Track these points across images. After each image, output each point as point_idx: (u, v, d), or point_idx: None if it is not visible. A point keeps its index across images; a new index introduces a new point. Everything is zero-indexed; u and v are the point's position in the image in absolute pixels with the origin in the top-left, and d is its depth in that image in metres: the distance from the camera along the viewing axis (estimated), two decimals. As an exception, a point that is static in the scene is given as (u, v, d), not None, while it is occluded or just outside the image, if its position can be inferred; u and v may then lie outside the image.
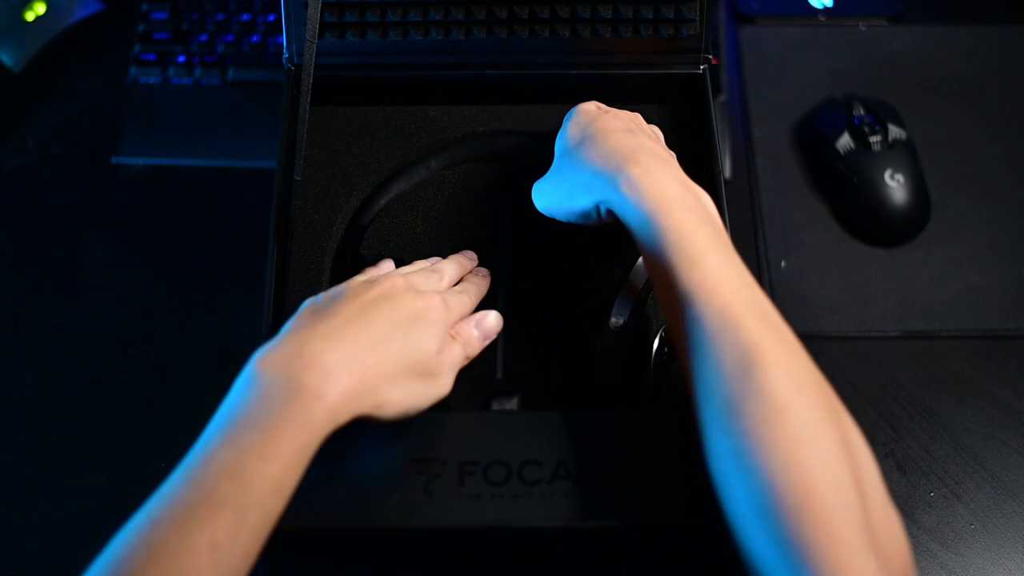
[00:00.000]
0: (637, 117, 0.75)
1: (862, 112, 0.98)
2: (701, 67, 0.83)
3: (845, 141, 0.97)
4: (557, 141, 0.75)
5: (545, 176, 0.75)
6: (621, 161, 0.67)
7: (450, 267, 0.74)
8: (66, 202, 1.00)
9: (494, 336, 0.72)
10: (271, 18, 1.07)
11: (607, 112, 0.74)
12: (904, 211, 0.96)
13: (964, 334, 0.93)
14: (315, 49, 0.76)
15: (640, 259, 0.76)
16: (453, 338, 0.68)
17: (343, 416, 0.61)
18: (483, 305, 0.74)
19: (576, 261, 0.78)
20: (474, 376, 0.74)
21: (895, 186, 0.95)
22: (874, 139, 0.96)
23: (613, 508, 0.63)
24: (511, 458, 0.65)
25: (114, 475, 0.86)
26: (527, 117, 0.85)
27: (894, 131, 0.97)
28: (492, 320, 0.72)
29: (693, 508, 0.63)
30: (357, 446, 0.66)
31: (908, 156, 0.97)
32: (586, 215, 0.71)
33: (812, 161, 1.01)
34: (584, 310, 0.76)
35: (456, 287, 0.73)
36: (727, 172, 1.00)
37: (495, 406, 0.72)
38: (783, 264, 0.96)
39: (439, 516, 0.63)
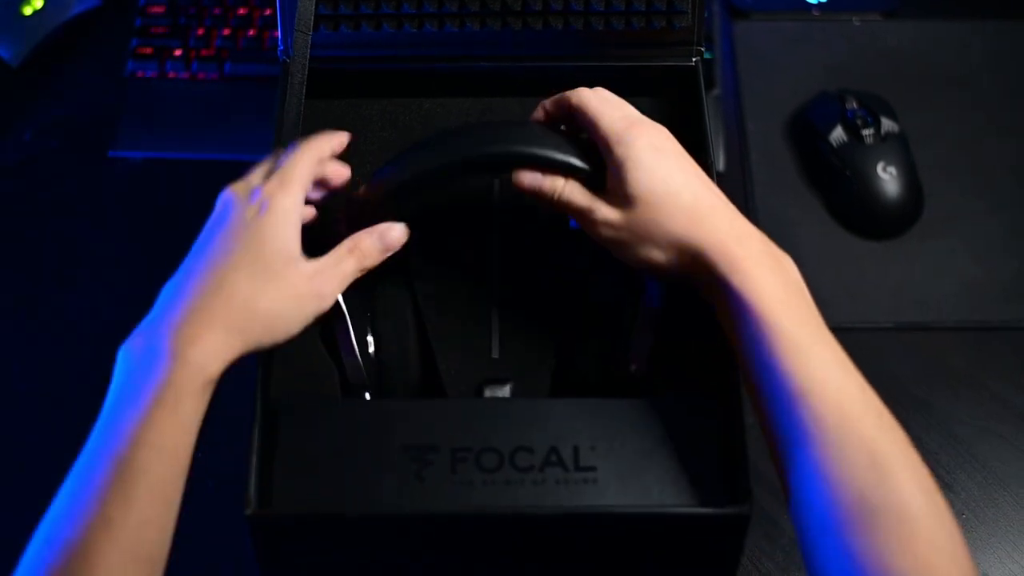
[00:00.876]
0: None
1: (855, 106, 0.99)
2: (693, 60, 0.84)
3: (838, 134, 0.98)
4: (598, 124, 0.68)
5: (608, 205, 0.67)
6: (714, 235, 0.64)
7: (270, 162, 0.70)
8: (63, 195, 1.01)
9: (396, 248, 0.68)
10: (267, 13, 1.07)
11: (649, 125, 0.69)
12: (897, 203, 0.96)
13: (957, 326, 0.94)
14: (309, 41, 0.77)
15: None
16: (350, 251, 0.66)
17: (210, 363, 0.61)
18: (475, 292, 0.75)
19: (572, 239, 0.78)
20: (469, 359, 0.74)
21: (888, 179, 0.96)
22: (867, 132, 0.97)
23: (603, 494, 0.64)
24: (503, 445, 0.66)
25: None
26: (521, 109, 0.85)
27: (887, 124, 0.98)
28: (397, 233, 0.68)
29: (684, 495, 0.64)
30: (349, 432, 0.66)
31: (901, 149, 0.97)
32: (656, 268, 0.67)
33: (805, 154, 1.01)
34: (582, 291, 0.76)
35: (275, 176, 0.67)
36: (720, 165, 1.00)
37: (488, 393, 0.73)
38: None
39: (431, 502, 0.64)
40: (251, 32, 1.07)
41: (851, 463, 0.57)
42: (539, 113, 0.73)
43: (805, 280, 0.94)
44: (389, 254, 0.68)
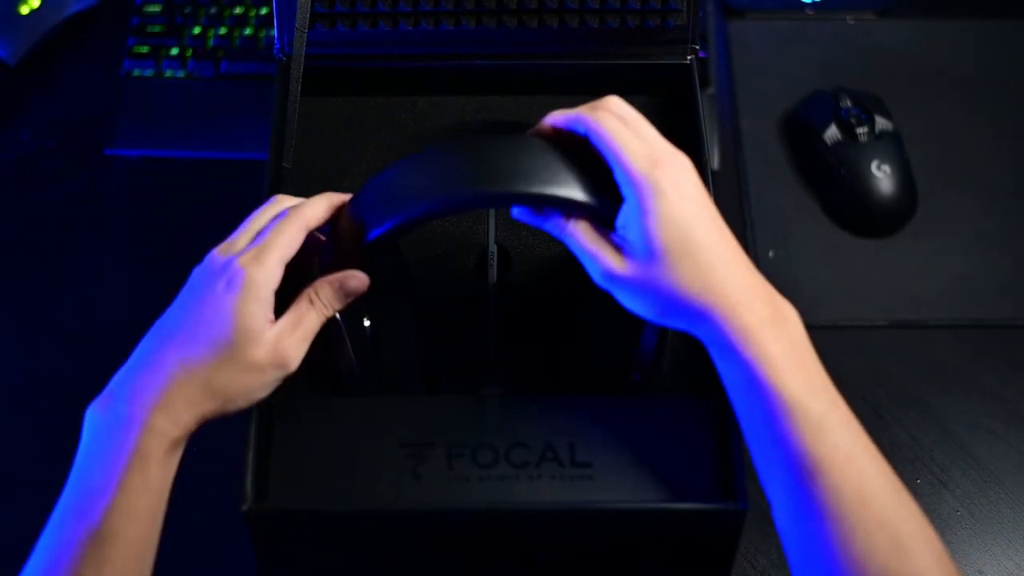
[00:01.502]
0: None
1: (849, 104, 0.99)
2: (688, 58, 0.84)
3: (832, 132, 0.98)
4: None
5: (630, 274, 0.63)
6: (724, 298, 0.61)
7: (261, 221, 0.68)
8: (61, 193, 1.01)
9: (358, 295, 0.66)
10: (263, 12, 1.08)
11: (672, 161, 0.64)
12: (891, 201, 0.97)
13: (952, 323, 0.94)
14: (305, 38, 0.77)
15: None
16: (311, 303, 0.65)
17: (173, 430, 0.61)
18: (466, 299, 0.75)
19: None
20: (465, 358, 0.74)
21: (882, 177, 0.96)
22: (861, 130, 0.97)
23: (599, 491, 0.64)
24: (499, 441, 0.66)
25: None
26: (516, 107, 0.86)
27: (881, 123, 0.98)
28: (356, 282, 0.66)
29: (680, 492, 0.64)
30: (345, 428, 0.66)
31: (895, 147, 0.98)
32: (656, 318, 0.64)
33: (800, 152, 1.02)
34: (579, 295, 0.77)
35: (258, 242, 0.65)
36: (715, 163, 1.01)
37: (485, 391, 0.73)
38: (771, 254, 0.97)
39: (428, 499, 0.64)
40: (247, 31, 1.07)
41: (872, 544, 0.57)
42: (545, 125, 0.67)
43: (799, 276, 0.95)
44: (351, 300, 0.67)
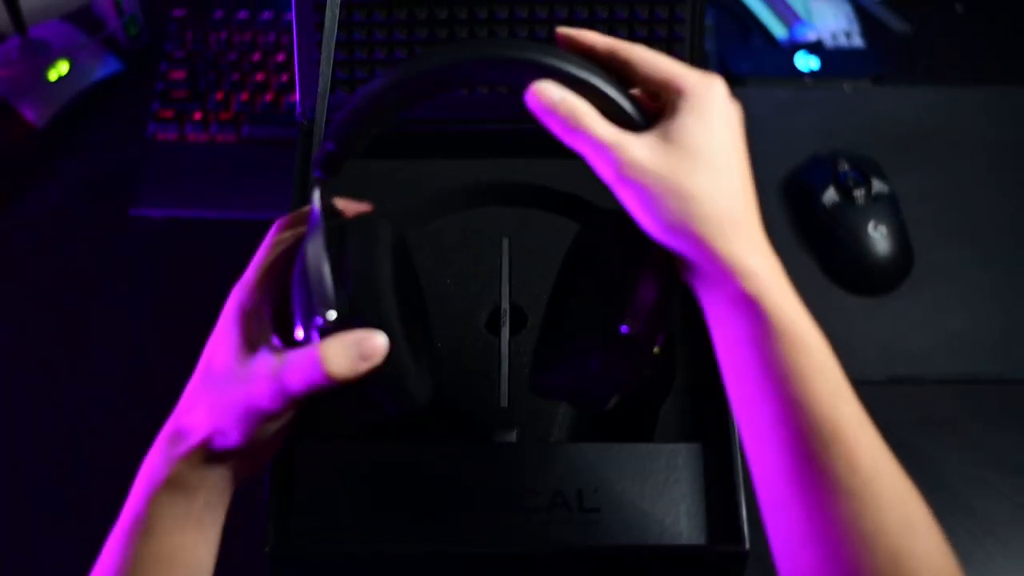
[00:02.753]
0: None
1: (847, 168, 1.03)
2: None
3: (831, 195, 1.02)
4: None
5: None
6: (738, 243, 0.57)
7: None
8: (87, 250, 1.04)
9: (375, 359, 0.58)
10: (283, 79, 1.12)
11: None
12: (887, 261, 1.00)
13: (946, 378, 0.97)
14: (326, 103, 0.80)
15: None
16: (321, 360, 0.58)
17: (196, 464, 0.61)
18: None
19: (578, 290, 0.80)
20: (477, 408, 0.77)
21: (878, 237, 1.00)
22: (858, 193, 1.01)
23: (607, 534, 0.67)
24: (511, 488, 0.69)
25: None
26: (526, 170, 0.88)
27: (877, 185, 1.02)
28: (375, 343, 0.58)
29: (684, 534, 0.67)
30: (363, 472, 0.69)
31: (891, 209, 1.01)
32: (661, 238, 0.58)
33: (799, 214, 1.05)
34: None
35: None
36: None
37: (496, 437, 0.76)
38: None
39: (443, 541, 0.67)
40: (268, 97, 1.11)
41: (884, 520, 0.55)
42: (577, 38, 0.62)
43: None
44: (368, 365, 0.58)
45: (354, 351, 0.58)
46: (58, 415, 0.95)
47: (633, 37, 0.85)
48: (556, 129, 0.58)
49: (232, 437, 0.60)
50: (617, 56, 0.61)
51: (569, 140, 0.58)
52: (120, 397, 0.96)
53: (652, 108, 0.61)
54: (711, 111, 0.59)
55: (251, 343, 0.61)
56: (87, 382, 0.97)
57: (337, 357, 0.57)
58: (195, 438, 0.61)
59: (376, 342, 0.58)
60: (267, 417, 0.59)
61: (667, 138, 0.57)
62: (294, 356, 0.58)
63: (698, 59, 0.86)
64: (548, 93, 0.58)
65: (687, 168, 0.56)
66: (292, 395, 0.58)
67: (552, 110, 0.58)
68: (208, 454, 0.61)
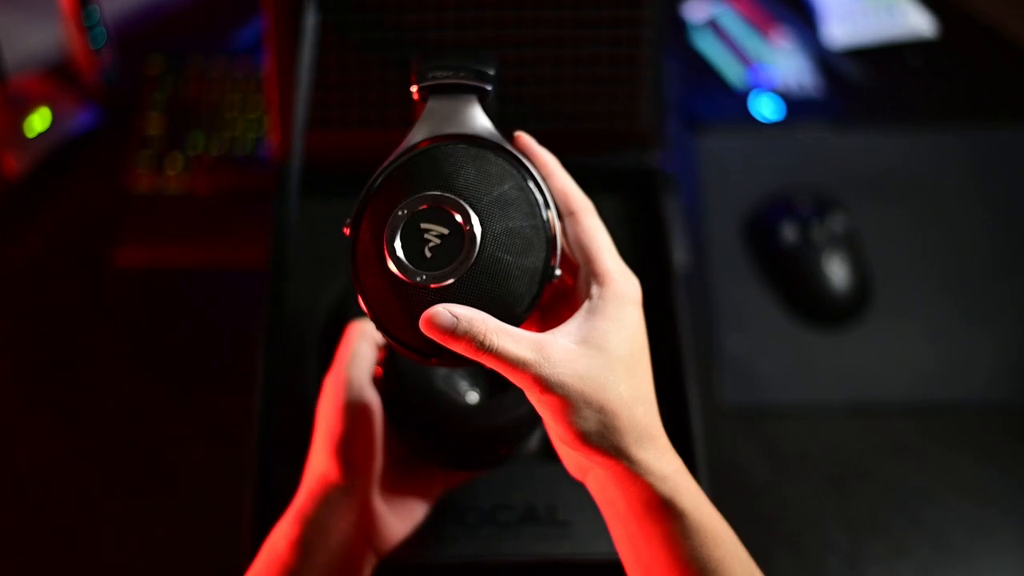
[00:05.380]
0: None
1: (805, 207, 1.07)
2: (654, 163, 0.90)
3: (790, 234, 1.05)
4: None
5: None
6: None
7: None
8: (67, 299, 1.05)
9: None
10: (261, 131, 1.13)
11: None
12: (845, 295, 1.04)
13: (905, 406, 1.00)
14: (303, 145, 0.82)
15: None
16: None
17: (315, 494, 0.68)
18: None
19: None
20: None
21: (836, 272, 1.03)
22: (816, 231, 1.05)
23: (578, 546, 0.69)
24: (484, 504, 0.71)
25: (110, 546, 0.91)
26: None
27: (834, 223, 1.05)
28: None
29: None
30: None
31: (848, 246, 1.05)
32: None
33: (760, 252, 1.09)
34: None
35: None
36: (681, 264, 1.06)
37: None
38: (734, 346, 1.03)
39: (419, 555, 0.69)
40: (248, 144, 1.12)
41: None
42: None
43: (761, 367, 1.00)
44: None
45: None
46: (33, 461, 0.96)
47: (595, 78, 0.89)
48: (465, 353, 0.56)
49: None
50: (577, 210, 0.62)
51: (481, 360, 0.56)
52: (97, 445, 0.97)
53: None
54: (629, 315, 0.59)
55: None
56: (62, 429, 0.98)
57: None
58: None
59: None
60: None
61: (588, 344, 0.57)
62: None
63: (657, 104, 0.89)
64: (440, 319, 0.55)
65: (607, 379, 0.57)
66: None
67: (451, 335, 0.55)
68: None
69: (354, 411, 0.68)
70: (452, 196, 0.57)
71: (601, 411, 0.56)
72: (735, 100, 1.21)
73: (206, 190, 1.11)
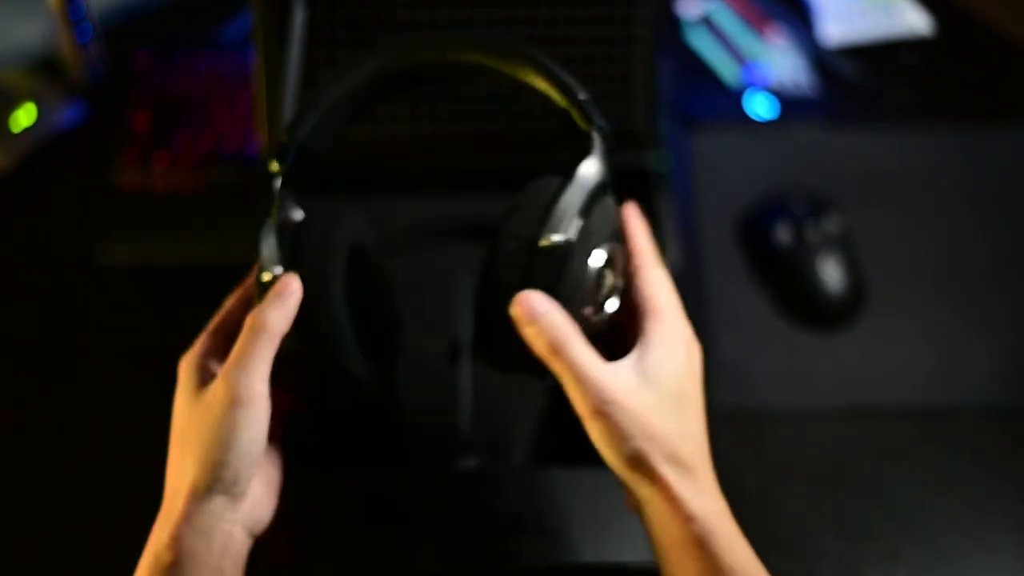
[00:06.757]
0: None
1: (799, 207, 1.06)
2: (650, 163, 0.90)
3: (784, 233, 1.04)
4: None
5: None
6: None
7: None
8: (51, 296, 1.04)
9: (291, 294, 0.64)
10: (250, 125, 1.13)
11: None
12: (840, 296, 1.02)
13: (900, 408, 0.99)
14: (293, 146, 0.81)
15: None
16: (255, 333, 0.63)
17: (191, 515, 0.63)
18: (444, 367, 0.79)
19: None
20: (438, 434, 0.78)
21: (830, 273, 1.02)
22: (810, 231, 1.04)
23: (565, 553, 0.68)
24: (472, 511, 0.70)
25: (100, 546, 0.89)
26: (475, 207, 0.89)
27: (829, 223, 1.04)
28: (295, 286, 0.65)
29: (635, 550, 0.68)
30: (325, 500, 0.70)
31: (843, 246, 1.04)
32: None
33: (754, 252, 1.08)
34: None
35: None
36: (674, 263, 1.06)
37: (458, 464, 0.77)
38: (727, 348, 1.02)
39: (405, 565, 0.68)
40: (235, 141, 1.12)
41: None
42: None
43: (754, 368, 1.00)
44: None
45: (274, 294, 0.63)
46: (17, 459, 0.95)
47: (590, 75, 0.88)
48: (536, 345, 0.59)
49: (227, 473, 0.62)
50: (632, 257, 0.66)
51: (548, 360, 0.59)
52: (81, 444, 0.96)
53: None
54: (682, 349, 0.63)
55: (202, 385, 0.66)
56: (47, 427, 0.97)
57: (264, 305, 0.63)
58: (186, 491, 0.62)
59: (288, 278, 0.64)
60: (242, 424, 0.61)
61: (643, 373, 0.60)
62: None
63: (651, 104, 0.88)
64: (532, 304, 0.59)
65: (659, 408, 0.59)
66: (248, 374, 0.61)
67: (535, 322, 0.58)
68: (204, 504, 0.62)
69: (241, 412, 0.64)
70: None
71: (648, 438, 0.58)
72: (729, 98, 1.20)
73: (193, 187, 1.10)
